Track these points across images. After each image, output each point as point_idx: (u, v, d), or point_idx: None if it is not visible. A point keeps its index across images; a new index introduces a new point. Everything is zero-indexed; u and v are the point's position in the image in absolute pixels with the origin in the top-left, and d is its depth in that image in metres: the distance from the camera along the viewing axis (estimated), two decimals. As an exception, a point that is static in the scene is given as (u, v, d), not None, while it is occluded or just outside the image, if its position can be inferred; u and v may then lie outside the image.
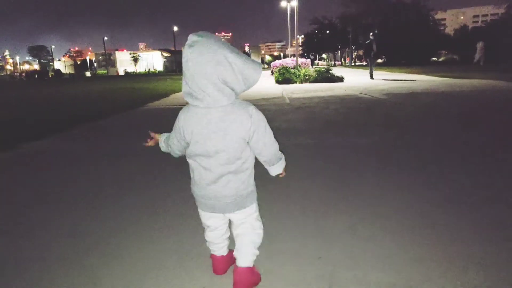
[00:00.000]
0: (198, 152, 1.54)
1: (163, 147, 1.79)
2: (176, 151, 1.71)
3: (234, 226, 1.75)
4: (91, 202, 3.09)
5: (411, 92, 10.38)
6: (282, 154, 1.72)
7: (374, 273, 1.89)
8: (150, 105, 9.92)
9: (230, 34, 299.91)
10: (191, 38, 1.39)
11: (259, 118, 1.54)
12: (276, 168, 1.71)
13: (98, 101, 12.76)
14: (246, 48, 23.61)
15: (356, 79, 17.34)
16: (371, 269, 1.93)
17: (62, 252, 2.23)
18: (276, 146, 1.65)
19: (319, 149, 4.56)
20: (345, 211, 2.69)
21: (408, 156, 4.08)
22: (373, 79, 16.32)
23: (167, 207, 2.87)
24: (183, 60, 1.41)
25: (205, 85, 1.39)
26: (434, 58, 47.28)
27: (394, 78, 16.19)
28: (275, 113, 7.47)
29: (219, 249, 1.85)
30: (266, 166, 1.71)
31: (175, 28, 73.18)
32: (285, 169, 1.76)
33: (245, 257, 1.70)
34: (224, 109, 1.46)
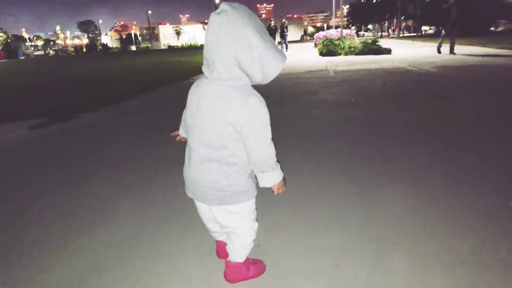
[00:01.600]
0: (188, 123, 1.46)
1: (181, 132, 1.75)
2: (184, 129, 1.62)
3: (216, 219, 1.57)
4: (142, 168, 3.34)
5: (464, 65, 9.80)
6: (278, 165, 1.45)
7: (422, 243, 1.94)
8: (194, 78, 10.20)
9: (272, 5, 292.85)
10: (221, 6, 1.26)
11: (258, 112, 1.32)
12: (266, 179, 1.44)
13: (145, 74, 13.23)
14: (283, 20, 21.36)
15: (405, 51, 16.55)
16: (419, 238, 1.98)
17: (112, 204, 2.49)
18: (269, 151, 1.39)
19: (366, 123, 4.53)
20: (390, 182, 2.72)
21: (458, 131, 3.96)
22: (454, 53, 13.05)
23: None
24: (207, 27, 1.32)
25: (215, 59, 1.28)
26: (492, 28, 43.62)
27: (445, 51, 15.21)
28: (319, 86, 7.39)
29: (218, 236, 1.81)
30: (255, 172, 1.47)
31: (217, 0, 72.71)
32: (281, 187, 1.48)
33: (232, 253, 1.65)
34: (225, 88, 1.31)
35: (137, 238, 2.14)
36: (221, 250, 1.84)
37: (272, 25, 21.30)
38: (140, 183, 2.99)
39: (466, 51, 14.56)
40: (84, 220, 2.40)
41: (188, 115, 1.45)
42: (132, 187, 2.92)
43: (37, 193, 2.92)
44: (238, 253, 1.64)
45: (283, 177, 1.49)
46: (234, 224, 1.54)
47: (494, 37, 24.41)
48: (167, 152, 3.74)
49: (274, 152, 1.41)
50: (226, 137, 1.35)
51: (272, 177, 1.44)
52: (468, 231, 2.02)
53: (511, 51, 13.37)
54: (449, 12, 12.90)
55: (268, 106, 1.36)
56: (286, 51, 21.67)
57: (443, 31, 13.87)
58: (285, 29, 21.93)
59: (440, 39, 13.81)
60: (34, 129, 5.17)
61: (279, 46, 22.75)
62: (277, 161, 1.45)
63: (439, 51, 13.57)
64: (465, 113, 4.79)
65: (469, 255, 1.81)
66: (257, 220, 1.62)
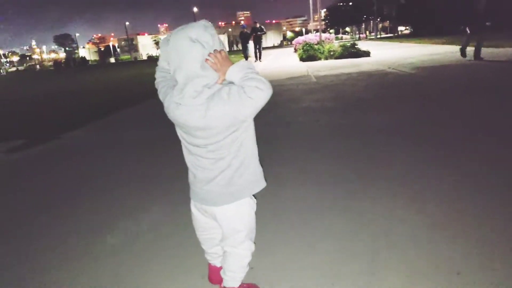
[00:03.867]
0: (185, 140, 1.50)
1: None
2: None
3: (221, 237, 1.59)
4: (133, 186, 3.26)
5: (442, 65, 10.01)
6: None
7: (414, 253, 1.93)
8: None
9: (249, 12, 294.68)
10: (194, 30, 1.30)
11: (238, 95, 1.30)
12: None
13: (126, 88, 13.05)
14: (258, 25, 18.14)
15: (383, 53, 16.82)
16: (411, 249, 1.97)
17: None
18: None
19: (350, 129, 4.55)
20: (379, 191, 2.72)
21: (442, 134, 4.01)
22: (482, 58, 9.92)
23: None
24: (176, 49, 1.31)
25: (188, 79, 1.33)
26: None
27: (423, 51, 15.52)
28: (302, 93, 7.43)
29: (213, 259, 1.76)
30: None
31: (195, 9, 72.72)
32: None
33: (226, 277, 1.61)
34: (202, 106, 1.33)
35: (129, 262, 2.06)
36: (213, 275, 1.79)
37: (245, 31, 18.92)
38: (131, 202, 2.91)
39: (442, 50, 14.90)
40: (73, 245, 2.31)
41: (184, 133, 1.44)
42: (123, 206, 2.83)
43: (16, 221, 2.80)
44: (234, 276, 1.60)
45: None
46: (243, 226, 1.51)
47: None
48: (159, 168, 3.66)
49: (252, 77, 1.29)
50: (232, 137, 1.36)
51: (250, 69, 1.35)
52: (460, 237, 2.02)
53: (485, 49, 13.70)
54: (477, 2, 9.42)
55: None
56: (260, 61, 18.92)
57: (467, 29, 10.17)
58: (261, 35, 18.47)
59: (465, 39, 10.38)
60: (11, 153, 5.00)
61: (252, 55, 19.06)
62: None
63: (463, 54, 10.41)
64: (452, 114, 4.86)
65: (463, 264, 1.80)
66: (254, 243, 1.60)
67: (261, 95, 1.27)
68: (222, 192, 1.44)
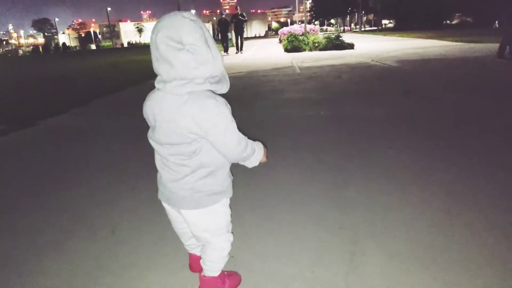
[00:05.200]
0: (153, 138, 1.46)
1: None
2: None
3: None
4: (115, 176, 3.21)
5: (424, 59, 10.18)
6: (253, 147, 1.45)
7: (395, 241, 1.98)
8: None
9: (235, 0, 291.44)
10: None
11: (218, 117, 1.29)
12: (251, 162, 1.47)
13: (107, 76, 12.77)
14: (239, 11, 16.45)
15: (367, 46, 16.97)
16: (392, 237, 2.02)
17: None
18: (241, 147, 1.38)
19: (334, 120, 4.59)
20: (363, 179, 2.77)
21: (423, 125, 4.10)
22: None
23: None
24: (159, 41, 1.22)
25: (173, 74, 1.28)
26: (446, 21, 45.53)
27: (406, 45, 15.72)
28: (286, 84, 7.42)
29: (192, 249, 1.76)
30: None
31: (179, -4, 71.30)
32: (263, 159, 1.51)
33: (206, 267, 1.59)
34: (181, 98, 1.29)
35: (108, 253, 2.05)
36: (194, 263, 1.79)
37: (223, 18, 17.28)
38: (110, 192, 2.87)
39: (424, 44, 15.13)
40: (52, 236, 2.27)
41: (151, 130, 1.41)
42: (102, 197, 2.79)
43: (-6, 211, 2.73)
44: (213, 266, 1.59)
45: (264, 147, 1.52)
46: (210, 229, 1.48)
47: (450, 30, 25.49)
48: (138, 159, 3.62)
49: (246, 144, 1.39)
50: (194, 146, 1.32)
51: (255, 159, 1.47)
52: (438, 226, 2.08)
53: (467, 44, 14.01)
54: None
55: (237, 106, 1.32)
56: (241, 52, 17.49)
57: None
58: (242, 24, 16.73)
59: (503, 39, 8.84)
60: (-12, 139, 4.85)
61: (234, 44, 17.69)
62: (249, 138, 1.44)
63: (502, 55, 8.83)
64: (432, 107, 4.96)
65: (440, 253, 1.86)
66: (232, 233, 1.59)
67: (230, 147, 1.34)
68: (185, 196, 1.41)
